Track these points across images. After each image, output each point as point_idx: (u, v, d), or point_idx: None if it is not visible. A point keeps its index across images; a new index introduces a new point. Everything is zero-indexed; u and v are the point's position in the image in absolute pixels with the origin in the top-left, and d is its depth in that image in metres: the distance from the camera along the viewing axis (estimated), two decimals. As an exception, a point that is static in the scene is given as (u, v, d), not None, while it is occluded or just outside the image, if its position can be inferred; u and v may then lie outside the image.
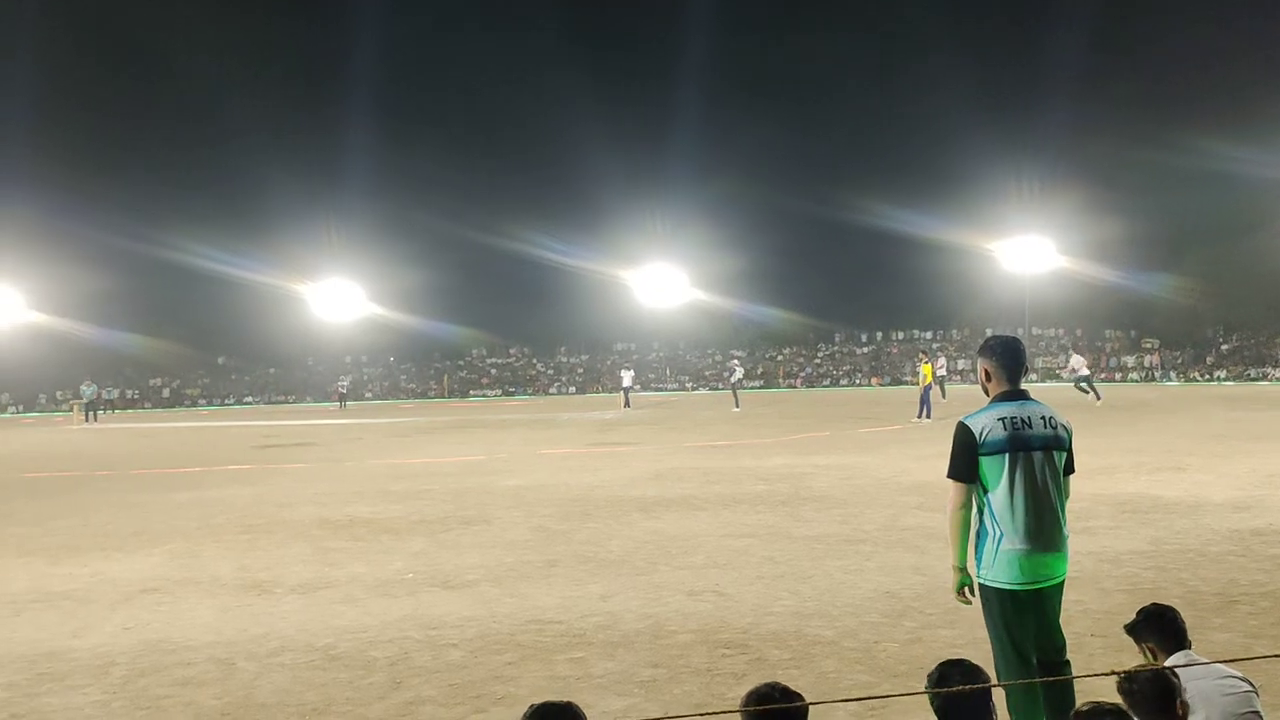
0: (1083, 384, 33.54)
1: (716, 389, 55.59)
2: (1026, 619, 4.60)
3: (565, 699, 3.22)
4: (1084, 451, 16.90)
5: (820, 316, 60.13)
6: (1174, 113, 50.20)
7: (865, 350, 60.77)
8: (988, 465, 4.62)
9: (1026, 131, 54.46)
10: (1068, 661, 4.71)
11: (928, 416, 27.55)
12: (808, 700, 3.17)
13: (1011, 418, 4.65)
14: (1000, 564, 4.59)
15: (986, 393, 4.89)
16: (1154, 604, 4.34)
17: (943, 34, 60.87)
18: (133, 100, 65.19)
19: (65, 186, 56.51)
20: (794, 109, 66.72)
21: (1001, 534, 4.59)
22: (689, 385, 60.16)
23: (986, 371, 4.89)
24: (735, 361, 46.33)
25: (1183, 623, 4.19)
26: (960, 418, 4.84)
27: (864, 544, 10.23)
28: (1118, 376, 50.55)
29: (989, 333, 57.65)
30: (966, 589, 4.77)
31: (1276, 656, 5.57)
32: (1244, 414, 26.78)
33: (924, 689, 3.49)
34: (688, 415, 34.67)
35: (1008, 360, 4.82)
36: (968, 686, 3.32)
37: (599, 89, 67.74)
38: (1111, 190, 49.14)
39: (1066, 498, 4.75)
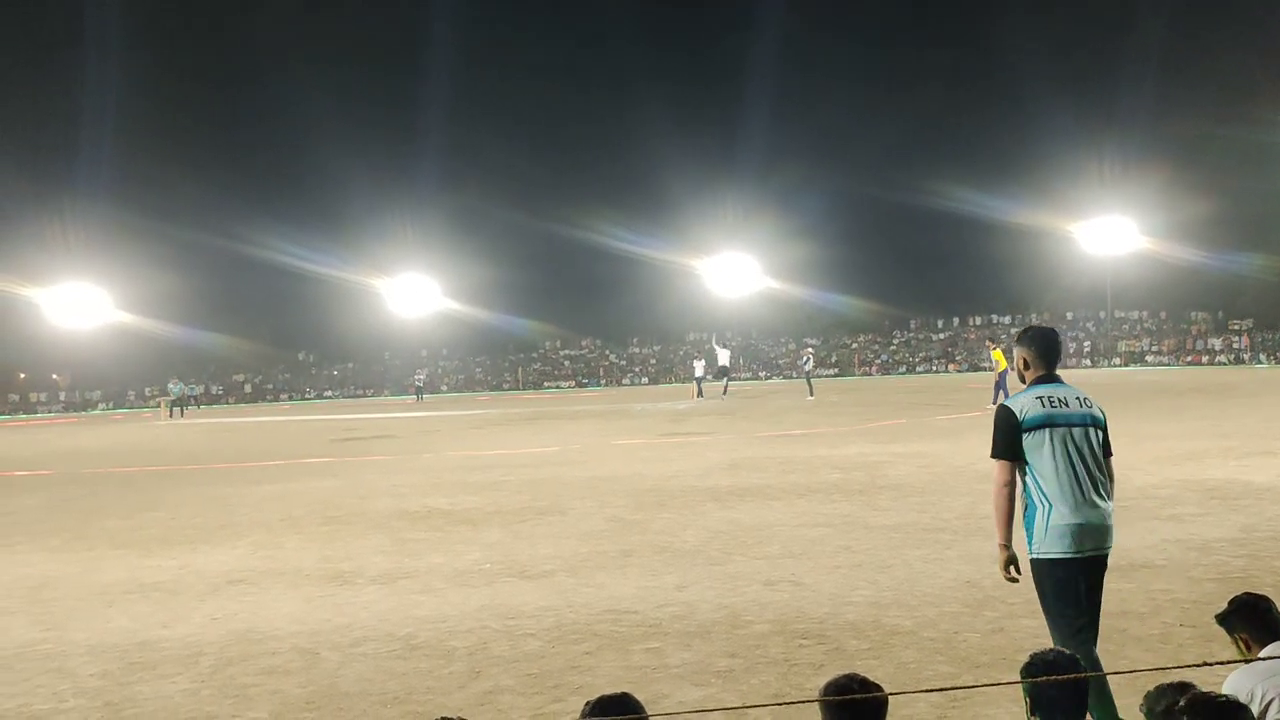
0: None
1: (790, 377, 55.24)
2: (1080, 587, 4.75)
3: (628, 690, 3.22)
4: (1170, 437, 16.60)
5: (895, 303, 59.43)
6: (1258, 89, 48.71)
7: (942, 336, 59.90)
8: (1030, 442, 4.81)
9: (1108, 110, 53.26)
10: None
11: (1006, 403, 27.03)
12: (887, 691, 3.12)
13: (1049, 397, 4.91)
14: (1052, 536, 4.74)
15: (1023, 380, 5.15)
16: (1246, 593, 4.20)
17: (1020, 12, 59.58)
18: (215, 101, 66.66)
19: (150, 187, 58.10)
20: (862, 94, 65.88)
21: (1051, 506, 4.75)
22: (762, 374, 59.87)
23: (1025, 360, 5.15)
24: (809, 349, 45.98)
25: (1278, 612, 4.05)
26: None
27: (943, 533, 10.08)
28: (1205, 359, 49.20)
29: (1069, 316, 56.78)
30: (1013, 566, 4.85)
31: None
32: (1339, 396, 25.93)
33: (1017, 679, 3.41)
34: (761, 404, 34.50)
35: (1043, 348, 5.08)
36: (1058, 677, 3.24)
37: (668, 81, 67.88)
38: (1195, 169, 47.78)
39: (1110, 479, 4.93)
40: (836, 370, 57.64)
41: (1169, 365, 48.87)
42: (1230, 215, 48.30)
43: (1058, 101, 53.45)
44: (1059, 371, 5.10)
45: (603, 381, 62.50)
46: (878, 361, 59.28)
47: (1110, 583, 7.79)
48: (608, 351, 66.45)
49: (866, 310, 59.94)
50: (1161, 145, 49.73)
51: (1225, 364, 47.73)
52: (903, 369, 57.51)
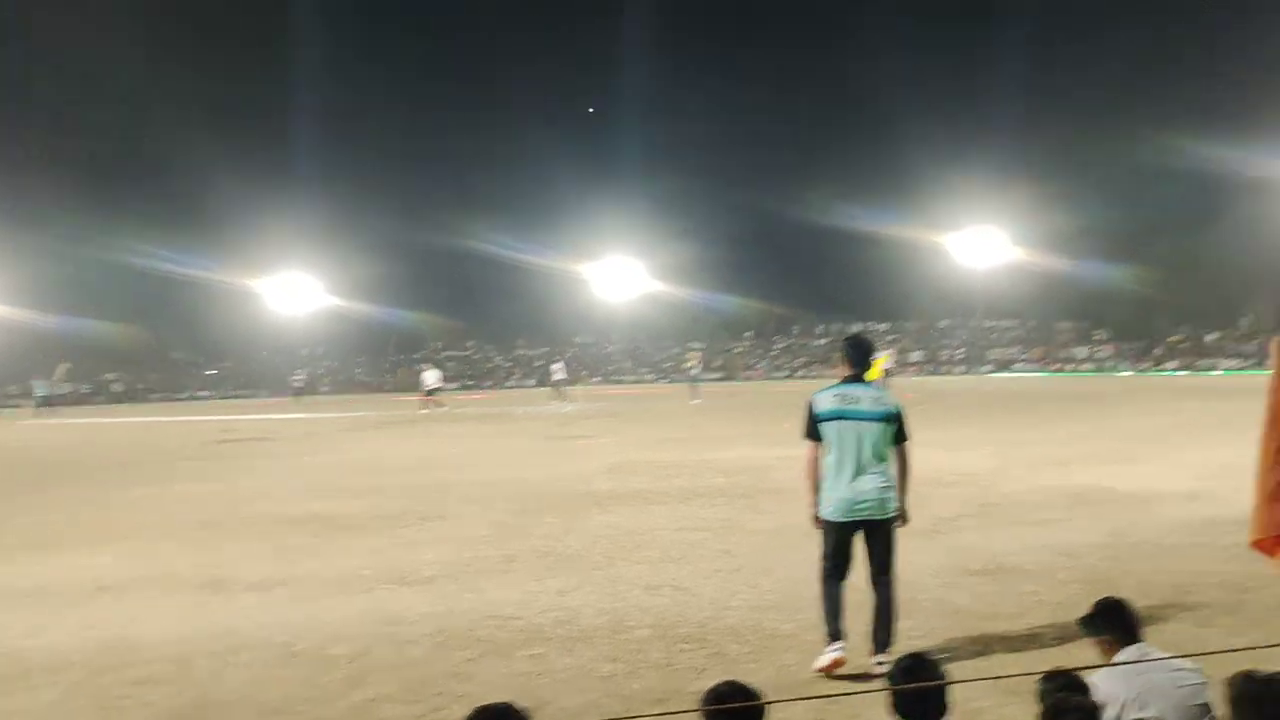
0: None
1: (676, 381, 55.74)
2: (845, 545, 6.29)
3: (510, 698, 3.24)
4: (1038, 444, 17.16)
5: (779, 307, 60.47)
6: (1127, 105, 50.93)
7: (822, 342, 61.07)
8: (825, 429, 6.27)
9: (980, 124, 54.76)
10: (890, 565, 6.34)
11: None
12: (769, 698, 3.19)
13: (844, 394, 6.29)
14: (828, 503, 6.28)
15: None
16: (1107, 597, 4.40)
17: (895, 28, 61.07)
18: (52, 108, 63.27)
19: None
20: (741, 100, 66.49)
21: (830, 479, 6.25)
22: (647, 377, 60.21)
23: (840, 360, 6.56)
24: (694, 353, 46.45)
25: (1137, 615, 4.26)
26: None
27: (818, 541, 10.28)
28: (1070, 368, 51.16)
29: (943, 324, 58.38)
30: (816, 521, 6.41)
31: (1233, 650, 5.66)
32: (1195, 404, 27.22)
33: (886, 685, 3.53)
34: (647, 408, 34.69)
35: (851, 353, 6.44)
36: (926, 683, 3.36)
37: (548, 85, 67.47)
38: (1065, 182, 49.70)
39: (904, 462, 6.36)
40: (722, 374, 58.30)
41: (1036, 373, 50.69)
42: (1097, 228, 50.33)
43: (931, 114, 54.96)
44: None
45: (488, 384, 62.02)
46: (760, 366, 60.15)
47: (980, 585, 8.11)
48: (493, 353, 66.00)
49: (750, 314, 60.83)
50: (1033, 159, 51.54)
51: (1089, 372, 49.71)
52: (784, 373, 58.45)
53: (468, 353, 66.54)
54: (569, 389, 42.91)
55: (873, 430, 6.19)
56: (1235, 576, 7.96)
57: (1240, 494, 11.28)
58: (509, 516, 12.27)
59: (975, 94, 59.04)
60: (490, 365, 64.92)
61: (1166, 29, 53.46)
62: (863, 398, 6.25)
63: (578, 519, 11.93)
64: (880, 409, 6.23)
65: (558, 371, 43.62)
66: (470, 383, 62.10)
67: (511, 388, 60.33)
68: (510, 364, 64.73)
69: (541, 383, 60.78)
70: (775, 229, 57.66)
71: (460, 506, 13.16)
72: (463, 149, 65.92)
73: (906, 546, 6.81)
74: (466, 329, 66.26)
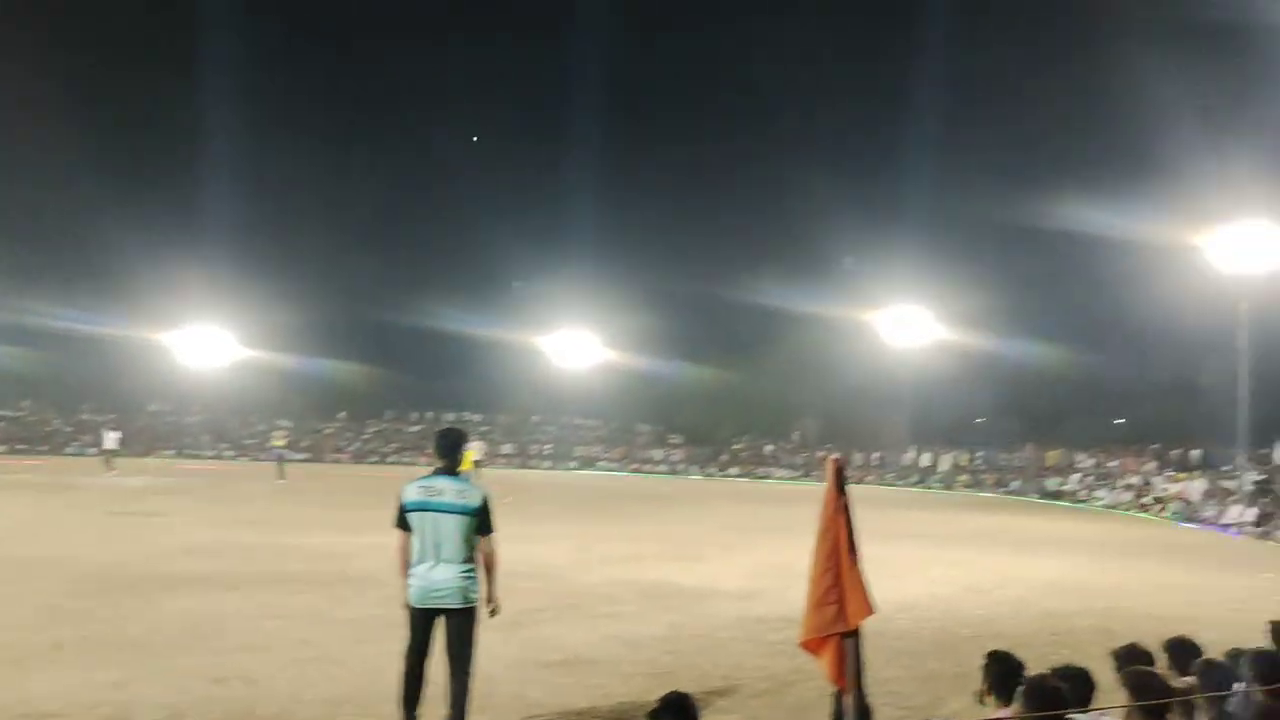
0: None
1: (260, 459, 52.94)
2: (424, 632, 6.51)
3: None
4: (615, 539, 17.92)
5: (371, 391, 59.55)
6: (691, 247, 55.82)
7: (415, 429, 60.67)
8: (411, 519, 6.49)
9: (560, 233, 57.25)
10: (468, 657, 6.52)
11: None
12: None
13: (429, 487, 6.52)
14: (411, 589, 6.50)
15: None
16: (673, 692, 4.73)
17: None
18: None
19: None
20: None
21: (414, 567, 6.47)
22: (228, 454, 56.81)
23: (434, 452, 6.81)
24: (281, 431, 44.51)
25: (697, 710, 4.60)
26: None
27: (404, 627, 10.17)
28: (647, 468, 54.17)
29: (534, 419, 59.97)
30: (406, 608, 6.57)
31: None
32: (752, 508, 29.73)
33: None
34: (226, 486, 32.72)
35: (440, 446, 6.75)
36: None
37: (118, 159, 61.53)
38: (647, 291, 53.37)
39: (476, 551, 6.54)
40: (310, 455, 56.19)
41: (617, 471, 53.23)
42: (678, 333, 54.17)
43: (513, 216, 56.56)
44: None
45: (45, 448, 55.63)
46: (351, 449, 58.70)
47: (555, 678, 8.37)
48: (52, 416, 59.61)
49: (344, 393, 59.44)
50: (621, 263, 54.65)
51: (664, 474, 52.90)
52: (374, 458, 57.38)
53: (21, 414, 59.57)
54: (118, 459, 39.48)
55: (455, 522, 6.41)
56: (781, 670, 8.76)
57: (788, 593, 12.51)
58: (62, 599, 11.11)
59: (559, 199, 60.96)
60: (48, 429, 58.48)
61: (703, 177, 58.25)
62: (447, 490, 6.49)
63: (141, 603, 11.02)
64: (462, 502, 6.47)
65: (110, 439, 40.13)
66: (23, 447, 55.45)
67: (72, 455, 54.53)
68: (72, 429, 58.62)
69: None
70: (370, 312, 56.87)
71: (2, 586, 11.73)
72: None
73: (487, 639, 6.93)
74: (21, 388, 59.31)
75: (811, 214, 51.17)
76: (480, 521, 6.53)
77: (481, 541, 6.55)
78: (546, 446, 57.65)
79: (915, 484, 45.89)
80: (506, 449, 56.38)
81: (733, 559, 16.86)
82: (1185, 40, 40.16)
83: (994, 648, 5.18)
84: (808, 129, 57.69)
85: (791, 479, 49.51)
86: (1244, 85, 39.72)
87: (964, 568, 16.69)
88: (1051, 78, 49.25)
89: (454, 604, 6.42)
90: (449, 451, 6.70)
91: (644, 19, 60.88)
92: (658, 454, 56.10)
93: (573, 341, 54.65)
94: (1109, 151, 47.36)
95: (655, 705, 4.45)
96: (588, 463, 55.31)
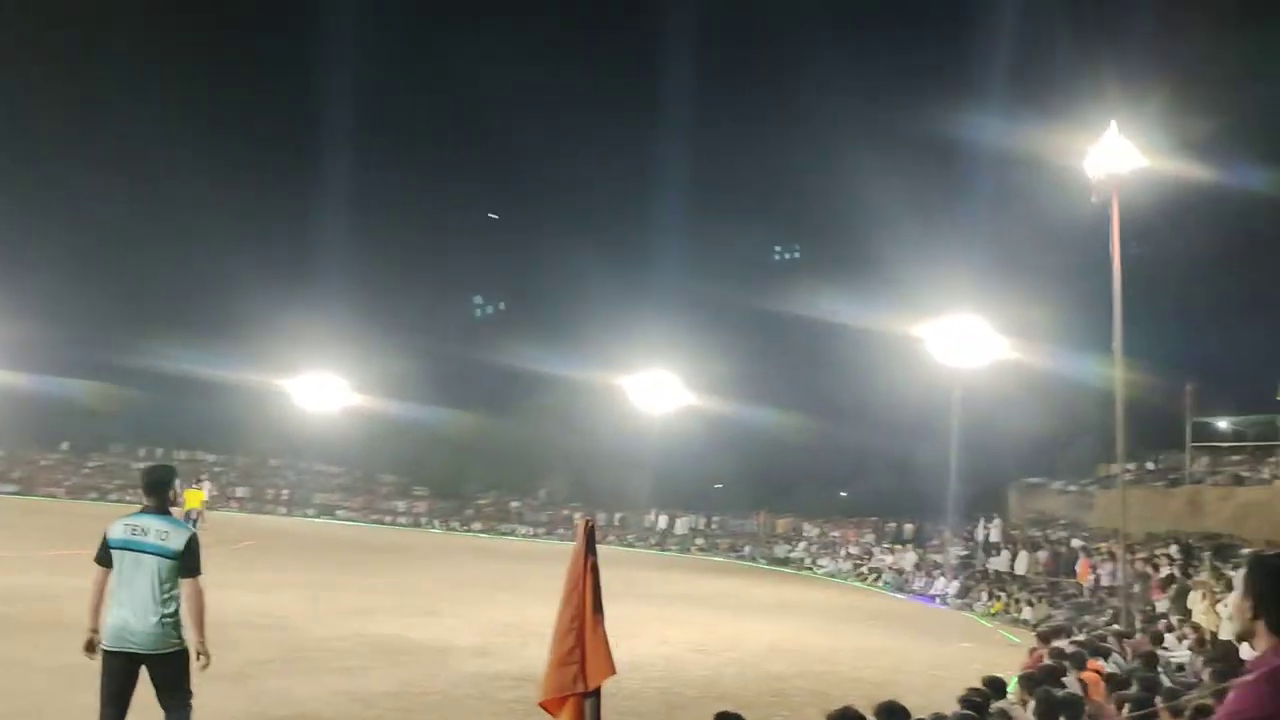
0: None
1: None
2: (118, 677, 6.12)
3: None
4: (351, 591, 17.50)
5: (99, 424, 55.70)
6: (449, 279, 55.83)
7: (142, 465, 57.08)
8: (115, 556, 6.24)
9: (309, 275, 55.80)
10: (183, 707, 6.23)
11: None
12: None
13: (134, 525, 6.30)
14: (107, 630, 6.15)
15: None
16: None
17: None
18: None
19: None
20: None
21: (113, 608, 6.17)
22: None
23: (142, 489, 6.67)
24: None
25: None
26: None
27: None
28: (389, 519, 53.00)
29: (273, 462, 57.64)
30: (91, 648, 6.21)
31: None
32: (494, 565, 29.62)
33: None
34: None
35: (146, 483, 6.64)
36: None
37: None
38: (400, 336, 52.58)
39: (194, 599, 6.23)
40: (19, 487, 51.73)
41: (357, 521, 51.79)
42: (421, 381, 53.39)
43: (264, 270, 54.70)
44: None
45: None
46: (68, 484, 54.47)
47: (280, 733, 8.13)
48: None
49: (64, 424, 55.38)
50: (362, 304, 53.57)
51: (405, 526, 51.87)
52: (94, 494, 53.45)
53: None
54: None
55: (156, 564, 6.19)
56: (510, 727, 8.85)
57: (525, 651, 12.64)
58: None
59: (307, 245, 59.43)
60: None
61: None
62: (151, 530, 6.27)
63: None
64: (162, 544, 6.24)
65: None
66: None
67: None
68: None
69: None
70: (102, 344, 53.31)
71: None
72: None
73: (210, 691, 6.72)
74: None
75: (567, 279, 52.31)
76: (184, 564, 6.26)
77: (186, 584, 6.26)
78: (284, 491, 55.46)
79: (653, 546, 46.99)
80: (241, 492, 53.87)
81: (470, 615, 16.80)
82: (904, 149, 44.07)
83: (721, 709, 5.48)
84: (561, 199, 58.90)
85: (535, 536, 49.70)
86: (961, 194, 43.93)
87: (693, 629, 17.29)
88: (791, 174, 53.22)
89: (153, 649, 6.15)
90: (154, 489, 6.54)
91: (402, 65, 60.65)
92: (400, 505, 55.01)
93: (319, 385, 53.05)
94: (842, 245, 51.14)
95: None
96: (326, 510, 53.56)
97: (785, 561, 40.42)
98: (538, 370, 50.75)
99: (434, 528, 51.77)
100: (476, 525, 52.57)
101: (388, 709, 9.39)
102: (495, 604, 18.66)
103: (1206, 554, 22.63)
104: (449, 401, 54.29)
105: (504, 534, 50.60)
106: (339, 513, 53.56)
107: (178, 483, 6.91)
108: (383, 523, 52.02)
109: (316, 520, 50.40)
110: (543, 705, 5.24)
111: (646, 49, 63.53)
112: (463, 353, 52.87)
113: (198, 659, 6.27)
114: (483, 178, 62.66)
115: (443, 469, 56.51)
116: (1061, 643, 11.50)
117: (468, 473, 56.78)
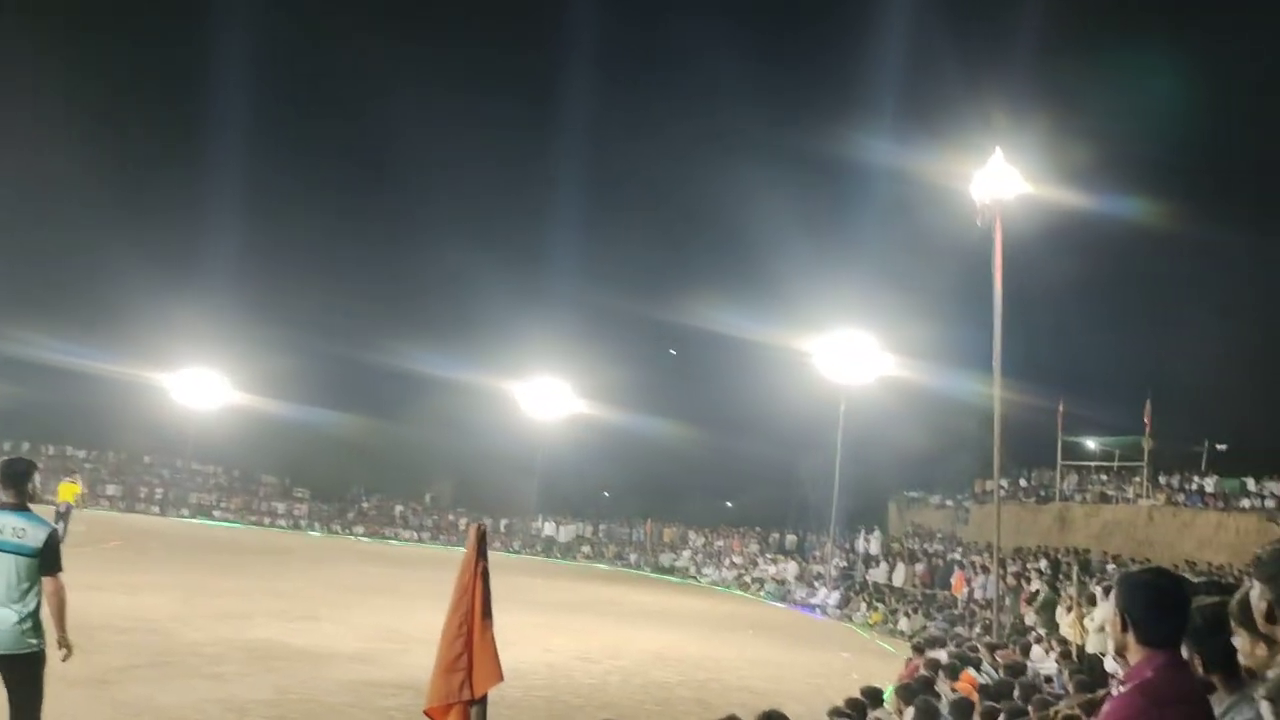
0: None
1: None
2: None
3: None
4: (227, 594, 17.03)
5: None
6: (343, 278, 54.85)
7: (2, 458, 54.63)
8: None
9: (192, 267, 54.29)
10: (34, 709, 5.93)
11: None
12: None
13: None
14: None
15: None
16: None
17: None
18: None
19: None
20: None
21: None
22: None
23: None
24: None
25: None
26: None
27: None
28: (268, 521, 51.75)
29: (146, 460, 55.85)
30: None
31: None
32: (375, 569, 29.09)
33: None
34: None
35: (1, 478, 6.25)
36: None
37: None
38: (285, 335, 51.31)
39: (55, 596, 6.04)
40: None
41: (234, 522, 50.42)
42: (306, 380, 52.25)
43: (147, 255, 53.03)
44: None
45: None
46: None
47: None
48: None
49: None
50: (250, 302, 52.28)
51: (285, 528, 50.67)
52: (-52, 490, 51.01)
53: None
54: None
55: (13, 562, 5.98)
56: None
57: (405, 657, 12.43)
58: None
59: (190, 238, 57.81)
60: None
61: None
62: (7, 527, 6.05)
63: None
64: (22, 541, 6.04)
65: None
66: None
67: None
68: None
69: None
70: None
71: None
72: None
73: (70, 697, 6.46)
74: None
75: (459, 282, 51.89)
76: (44, 561, 6.06)
77: (46, 582, 6.07)
78: (158, 490, 53.68)
79: (540, 553, 46.83)
80: (112, 490, 51.97)
81: (350, 620, 16.46)
82: (798, 167, 45.06)
83: (605, 717, 5.45)
84: (454, 202, 58.41)
85: (419, 541, 49.08)
86: (851, 213, 45.01)
87: (577, 637, 17.24)
88: (686, 187, 53.96)
89: (10, 649, 5.91)
90: (11, 483, 6.26)
91: (289, 58, 59.52)
92: (280, 507, 53.74)
93: (198, 381, 51.50)
94: (735, 258, 51.92)
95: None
96: (202, 511, 52.02)
97: (670, 570, 40.66)
98: (426, 372, 50.21)
99: (315, 530, 50.77)
100: (359, 529, 51.70)
101: (261, 717, 9.13)
102: (377, 609, 18.32)
103: (1074, 569, 23.45)
104: (333, 402, 53.21)
105: (387, 538, 49.82)
106: (216, 513, 52.09)
107: (38, 477, 6.60)
108: (261, 524, 50.76)
109: (192, 521, 48.95)
110: (428, 713, 5.12)
111: (543, 56, 63.76)
112: (349, 353, 51.88)
113: (59, 649, 6.06)
114: (375, 179, 61.97)
115: (325, 471, 55.40)
116: (936, 653, 11.78)
117: (351, 475, 55.81)
